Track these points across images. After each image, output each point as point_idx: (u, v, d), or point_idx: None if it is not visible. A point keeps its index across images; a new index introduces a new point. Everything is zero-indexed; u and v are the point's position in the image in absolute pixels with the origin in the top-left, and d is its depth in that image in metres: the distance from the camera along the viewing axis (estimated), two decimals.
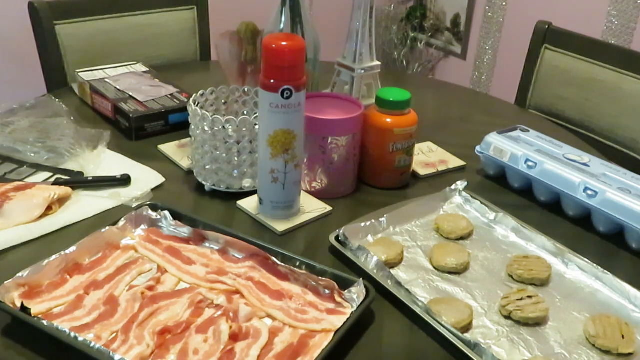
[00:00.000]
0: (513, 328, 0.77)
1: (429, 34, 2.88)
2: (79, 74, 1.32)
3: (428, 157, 1.16)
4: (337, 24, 2.01)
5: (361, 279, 0.78)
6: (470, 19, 2.70)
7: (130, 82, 1.29)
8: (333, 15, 2.39)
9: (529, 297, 0.79)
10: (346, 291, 0.78)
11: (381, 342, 0.75)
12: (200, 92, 1.02)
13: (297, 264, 0.82)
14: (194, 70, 1.58)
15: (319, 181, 1.01)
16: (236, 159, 0.97)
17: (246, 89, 1.07)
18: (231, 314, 0.75)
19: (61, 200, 0.95)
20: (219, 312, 0.76)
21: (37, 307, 0.74)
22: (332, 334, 0.72)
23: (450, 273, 0.86)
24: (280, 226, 0.93)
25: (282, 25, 1.11)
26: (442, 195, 1.01)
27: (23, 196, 0.92)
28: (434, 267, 0.87)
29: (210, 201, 0.99)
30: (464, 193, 1.02)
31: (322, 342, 0.71)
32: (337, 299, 0.78)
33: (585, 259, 0.87)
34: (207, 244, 0.88)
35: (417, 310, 0.77)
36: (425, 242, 0.92)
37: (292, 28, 1.11)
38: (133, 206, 0.94)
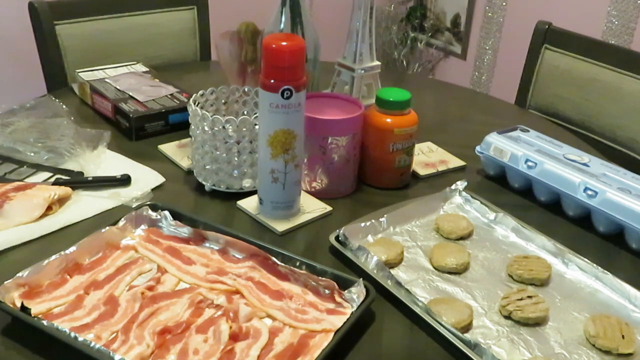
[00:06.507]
0: (513, 328, 0.77)
1: (429, 34, 2.88)
2: (79, 74, 1.32)
3: (428, 157, 1.16)
4: (337, 24, 2.01)
5: (361, 279, 0.78)
6: (470, 19, 2.70)
7: (130, 82, 1.29)
8: (333, 15, 2.39)
9: (529, 297, 0.79)
10: (346, 291, 0.78)
11: (381, 342, 0.75)
12: (200, 92, 1.02)
13: (297, 264, 0.82)
14: (194, 70, 1.58)
15: (319, 181, 1.01)
16: (236, 159, 0.97)
17: (246, 89, 1.07)
18: (231, 314, 0.75)
19: (61, 200, 0.95)
20: (219, 312, 0.76)
21: (37, 307, 0.74)
22: (332, 334, 0.72)
23: (450, 273, 0.86)
24: (280, 226, 0.93)
25: (282, 25, 1.11)
26: (442, 195, 1.01)
27: (23, 196, 0.92)
28: (434, 267, 0.87)
29: (210, 201, 0.99)
30: (464, 193, 1.02)
31: (322, 342, 0.71)
32: (337, 299, 0.78)
33: (585, 259, 0.87)
34: (207, 244, 0.88)
35: (417, 310, 0.77)
36: (425, 242, 0.92)
37: (292, 28, 1.11)
38: (133, 206, 0.94)
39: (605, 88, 1.44)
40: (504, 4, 2.54)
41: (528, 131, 1.12)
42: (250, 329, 0.73)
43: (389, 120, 1.01)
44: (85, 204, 0.96)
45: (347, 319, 0.73)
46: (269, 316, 0.76)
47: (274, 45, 0.84)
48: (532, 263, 0.86)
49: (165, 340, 0.72)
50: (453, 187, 1.03)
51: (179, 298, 0.78)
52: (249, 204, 0.98)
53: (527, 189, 1.06)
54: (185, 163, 1.08)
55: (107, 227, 0.86)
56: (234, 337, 0.72)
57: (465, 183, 1.03)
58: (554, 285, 0.85)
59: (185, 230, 0.89)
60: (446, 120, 1.36)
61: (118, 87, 1.25)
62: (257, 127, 0.93)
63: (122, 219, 0.88)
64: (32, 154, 1.05)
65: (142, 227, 0.90)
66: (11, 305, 0.72)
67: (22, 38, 1.69)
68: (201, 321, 0.74)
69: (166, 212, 0.91)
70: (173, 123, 1.19)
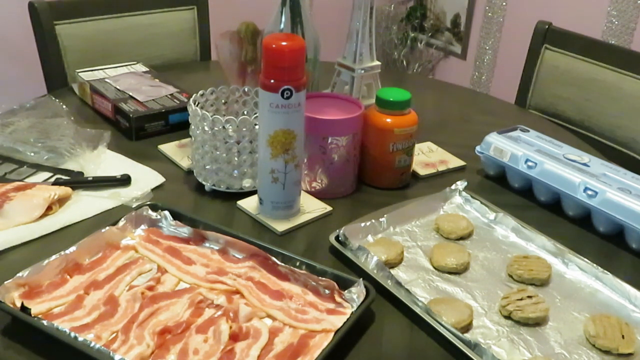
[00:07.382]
0: (513, 328, 0.77)
1: (429, 34, 2.88)
2: (79, 74, 1.32)
3: (428, 157, 1.16)
4: (337, 24, 2.01)
5: (361, 279, 0.78)
6: (470, 19, 2.70)
7: (130, 82, 1.29)
8: (333, 15, 2.39)
9: (529, 297, 0.79)
10: (346, 291, 0.78)
11: (381, 342, 0.75)
12: (200, 92, 1.02)
13: (297, 264, 0.82)
14: (194, 70, 1.58)
15: (319, 181, 1.01)
16: (236, 159, 0.97)
17: (246, 89, 1.07)
18: (231, 314, 0.75)
19: (61, 200, 0.95)
20: (219, 312, 0.76)
21: (37, 307, 0.74)
22: (332, 334, 0.72)
23: (450, 273, 0.86)
24: (280, 226, 0.93)
25: (282, 25, 1.11)
26: (442, 195, 1.01)
27: (23, 196, 0.92)
28: (434, 267, 0.87)
29: (210, 201, 0.99)
30: (464, 193, 1.02)
31: (322, 342, 0.71)
32: (337, 299, 0.78)
33: (585, 259, 0.87)
34: (207, 244, 0.88)
35: (417, 310, 0.77)
36: (425, 242, 0.92)
37: (292, 28, 1.11)
38: (133, 206, 0.94)
39: (605, 88, 1.44)
40: (504, 4, 2.54)
41: (528, 131, 1.12)
42: (250, 329, 0.73)
43: (389, 120, 1.01)
44: (85, 204, 0.96)
45: (347, 319, 0.73)
46: (269, 316, 0.76)
47: (274, 45, 0.84)
48: (532, 263, 0.86)
49: (165, 340, 0.72)
50: (453, 187, 1.03)
51: (179, 298, 0.78)
52: (249, 204, 0.98)
53: (527, 189, 1.06)
54: (185, 163, 1.08)
55: (107, 227, 0.86)
56: (234, 337, 0.72)
57: (465, 183, 1.03)
58: (554, 285, 0.85)
59: (185, 230, 0.89)
60: (446, 120, 1.36)
61: (118, 87, 1.25)
62: (257, 127, 0.93)
63: (122, 219, 0.88)
64: (32, 154, 1.05)
65: (142, 227, 0.90)
66: (11, 305, 0.72)
67: (22, 38, 1.69)
68: (201, 321, 0.74)
69: (166, 212, 0.91)
70: (173, 123, 1.19)
